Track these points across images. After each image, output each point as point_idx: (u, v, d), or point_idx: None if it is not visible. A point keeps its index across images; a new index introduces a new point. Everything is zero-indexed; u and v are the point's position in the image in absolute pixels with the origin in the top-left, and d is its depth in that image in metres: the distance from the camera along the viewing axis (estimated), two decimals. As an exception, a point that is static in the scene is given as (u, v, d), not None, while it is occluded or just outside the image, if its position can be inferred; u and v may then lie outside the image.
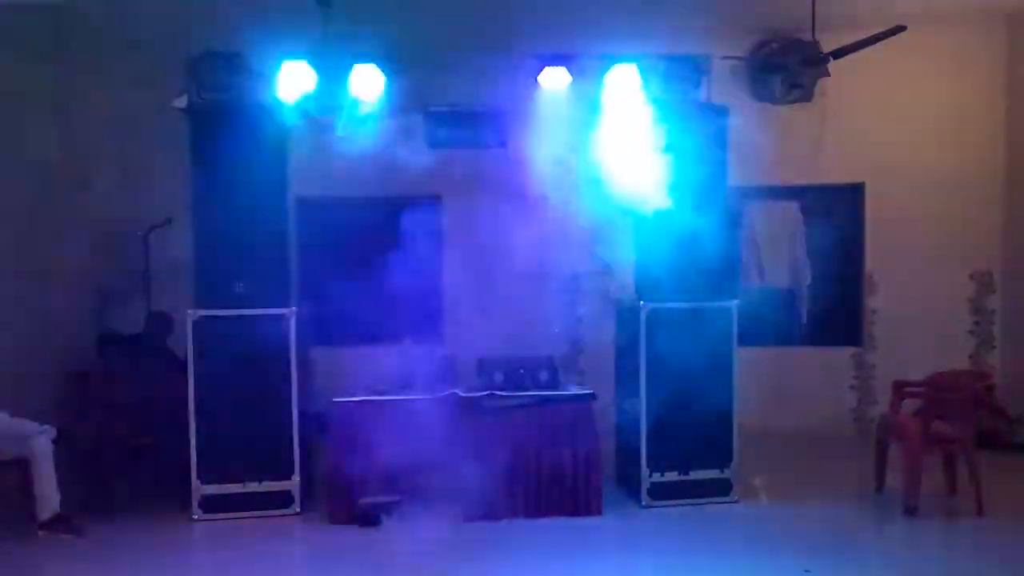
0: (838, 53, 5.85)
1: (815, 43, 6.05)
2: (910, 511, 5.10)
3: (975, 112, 7.23)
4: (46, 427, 4.99)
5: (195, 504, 5.16)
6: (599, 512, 5.20)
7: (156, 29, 6.08)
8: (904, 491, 5.15)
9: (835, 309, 7.35)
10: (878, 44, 5.55)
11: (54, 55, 6.44)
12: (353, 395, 5.20)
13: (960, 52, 7.16)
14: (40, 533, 4.85)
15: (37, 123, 6.25)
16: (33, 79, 6.24)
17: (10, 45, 5.92)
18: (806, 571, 4.30)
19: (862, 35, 5.58)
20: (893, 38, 5.47)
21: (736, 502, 5.40)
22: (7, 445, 4.91)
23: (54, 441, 4.97)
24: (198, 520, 5.15)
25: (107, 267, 6.68)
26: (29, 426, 4.95)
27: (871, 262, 7.34)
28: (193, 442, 5.15)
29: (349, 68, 5.15)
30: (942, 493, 5.44)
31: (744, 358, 5.46)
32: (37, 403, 5.49)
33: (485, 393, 5.26)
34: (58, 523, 4.87)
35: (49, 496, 4.88)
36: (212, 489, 5.17)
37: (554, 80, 5.39)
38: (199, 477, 5.16)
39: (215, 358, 5.15)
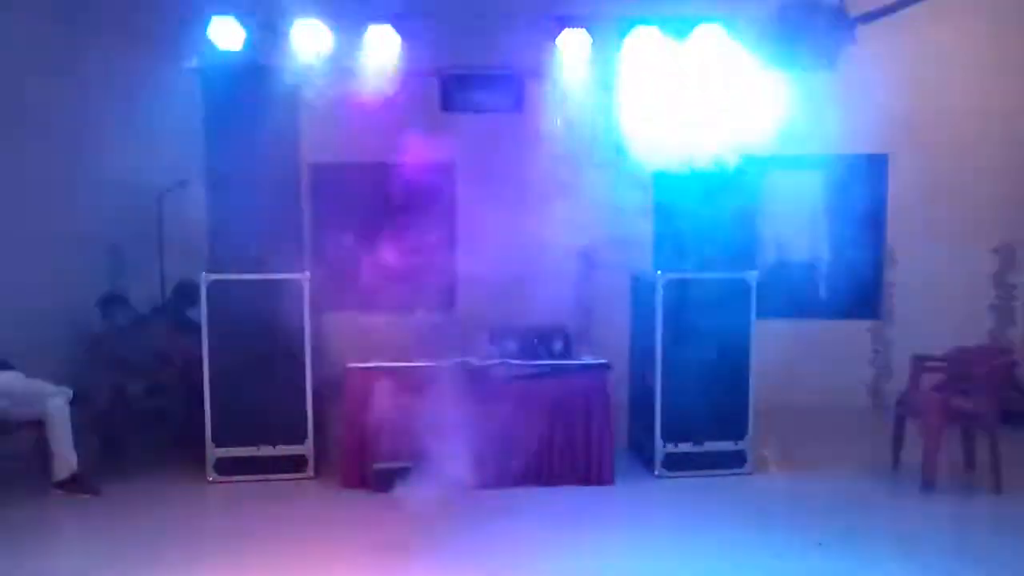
0: (866, 18, 5.66)
1: (842, 7, 5.85)
2: (927, 487, 5.05)
3: (1004, 83, 7.02)
4: (62, 388, 5.02)
5: (209, 466, 5.19)
6: (611, 482, 5.19)
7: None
8: (922, 466, 5.09)
9: (854, 282, 7.24)
10: (907, 9, 5.37)
11: (63, 15, 6.35)
12: (366, 361, 5.18)
13: (990, 20, 6.94)
14: (56, 492, 4.90)
15: (47, 85, 6.19)
16: (42, 40, 6.17)
17: (18, 6, 5.84)
18: (819, 544, 4.28)
19: (892, -1, 5.40)
20: (923, 3, 5.29)
21: (750, 474, 5.37)
22: (23, 406, 4.94)
23: (70, 402, 5.00)
24: (213, 482, 5.18)
25: (120, 230, 6.66)
26: (45, 387, 4.99)
27: (892, 235, 7.21)
28: (208, 405, 5.16)
29: (364, 28, 5.06)
30: (960, 469, 5.39)
31: (761, 330, 5.39)
32: (52, 364, 5.51)
33: (498, 361, 5.22)
34: (74, 483, 4.92)
35: (65, 456, 4.92)
36: (226, 452, 5.20)
37: (573, 42, 5.26)
38: (213, 440, 5.18)
39: (229, 322, 5.14)
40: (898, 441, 5.53)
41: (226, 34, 5.05)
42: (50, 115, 6.17)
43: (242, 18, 5.03)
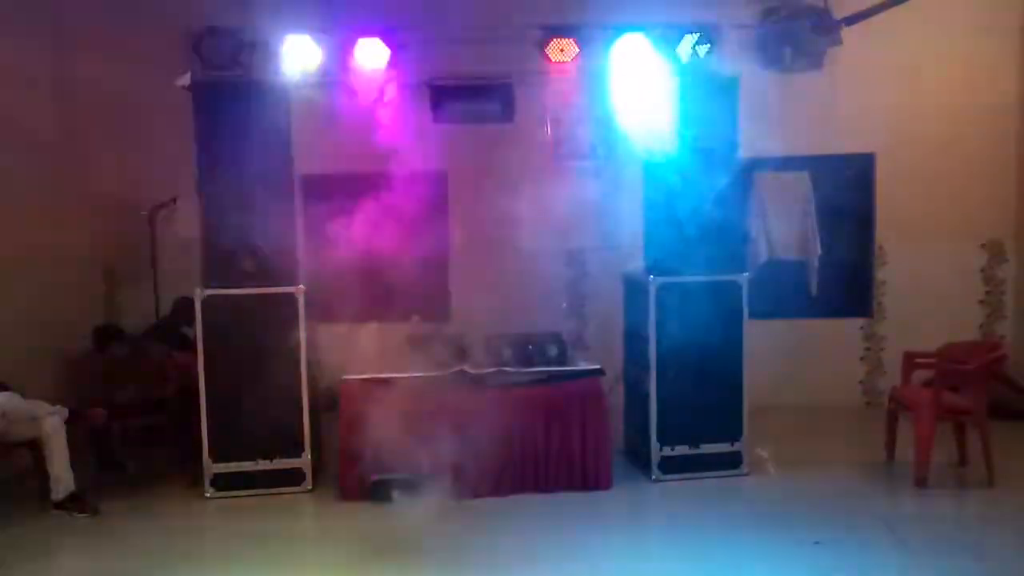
0: (850, 19, 5.73)
1: (826, 9, 5.92)
2: (921, 483, 5.10)
3: (989, 80, 7.09)
4: (57, 408, 5.01)
5: (207, 482, 5.20)
6: (609, 486, 5.21)
7: (157, 5, 6.00)
8: (915, 463, 5.14)
9: (845, 280, 7.30)
10: (891, 9, 5.44)
11: (54, 34, 6.36)
12: (362, 372, 5.20)
13: (975, 18, 7.00)
14: (54, 513, 4.89)
15: (37, 104, 6.20)
16: (33, 59, 6.18)
17: (9, 25, 5.85)
18: (816, 543, 4.32)
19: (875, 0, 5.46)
20: (907, 3, 5.35)
21: (746, 475, 5.40)
22: (20, 426, 4.93)
23: (66, 421, 4.99)
24: (211, 498, 5.18)
25: (114, 248, 6.67)
26: (41, 407, 4.97)
27: (881, 233, 7.28)
28: (204, 421, 5.16)
29: (353, 42, 5.09)
30: (953, 464, 5.45)
31: (754, 331, 5.43)
32: (48, 384, 5.50)
33: (493, 369, 5.24)
34: (73, 503, 4.91)
35: (62, 476, 4.91)
36: (224, 467, 5.20)
37: (561, 51, 5.29)
38: (210, 455, 5.19)
39: (225, 336, 5.15)
40: (891, 437, 5.58)
41: (217, 50, 5.05)
42: (39, 134, 6.17)
43: (232, 35, 5.04)
